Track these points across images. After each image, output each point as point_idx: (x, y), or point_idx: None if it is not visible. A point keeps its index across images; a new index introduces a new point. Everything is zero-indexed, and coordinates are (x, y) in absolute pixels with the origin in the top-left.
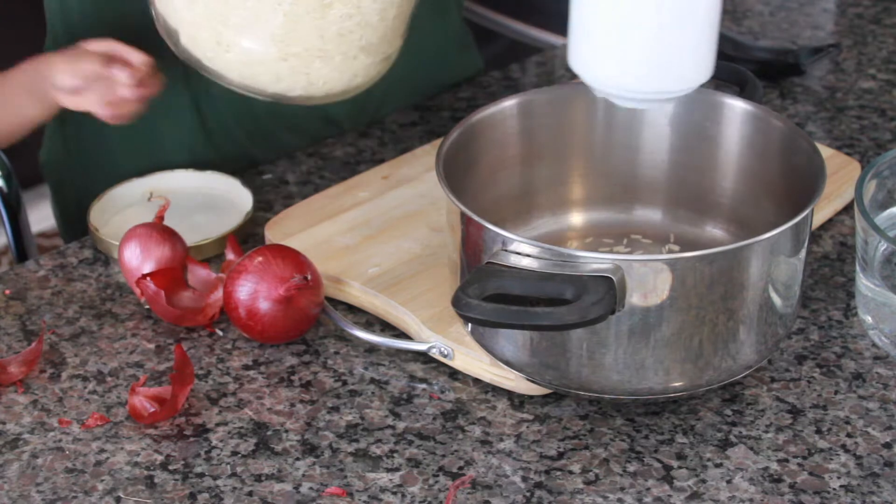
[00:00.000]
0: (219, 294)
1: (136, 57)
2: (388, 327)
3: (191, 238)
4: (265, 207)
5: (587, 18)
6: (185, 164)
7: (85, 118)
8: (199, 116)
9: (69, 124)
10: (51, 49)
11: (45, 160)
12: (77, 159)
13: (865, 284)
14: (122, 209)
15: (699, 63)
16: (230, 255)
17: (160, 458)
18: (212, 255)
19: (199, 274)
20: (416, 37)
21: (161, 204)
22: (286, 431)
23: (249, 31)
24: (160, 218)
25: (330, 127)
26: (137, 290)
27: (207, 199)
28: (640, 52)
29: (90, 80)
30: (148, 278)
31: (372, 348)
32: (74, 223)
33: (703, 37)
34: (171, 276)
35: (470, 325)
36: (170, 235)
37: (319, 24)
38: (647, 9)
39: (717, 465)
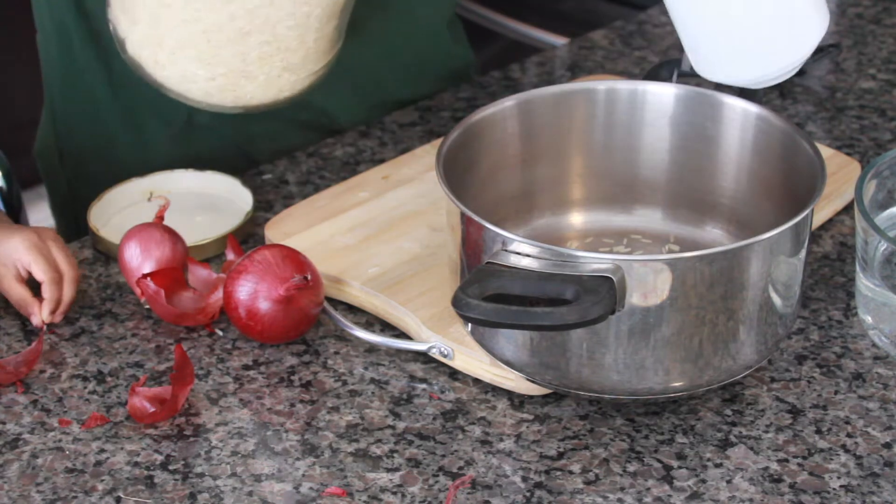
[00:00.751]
0: (219, 294)
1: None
2: (388, 327)
3: (191, 238)
4: (265, 207)
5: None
6: (176, 161)
7: (76, 117)
8: (189, 113)
9: (60, 122)
10: (44, 50)
11: (38, 150)
12: (69, 156)
13: (865, 284)
14: (121, 209)
15: (821, 14)
16: (230, 255)
17: (160, 458)
18: (212, 255)
19: (199, 274)
20: (408, 19)
21: (161, 204)
22: (286, 431)
23: (180, 54)
24: (160, 218)
25: (325, 121)
26: (137, 290)
27: (207, 199)
28: (773, 33)
29: (12, 299)
30: (148, 278)
31: (372, 348)
32: (68, 218)
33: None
34: (171, 276)
35: (470, 325)
36: (170, 235)
37: (241, 50)
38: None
39: (717, 465)
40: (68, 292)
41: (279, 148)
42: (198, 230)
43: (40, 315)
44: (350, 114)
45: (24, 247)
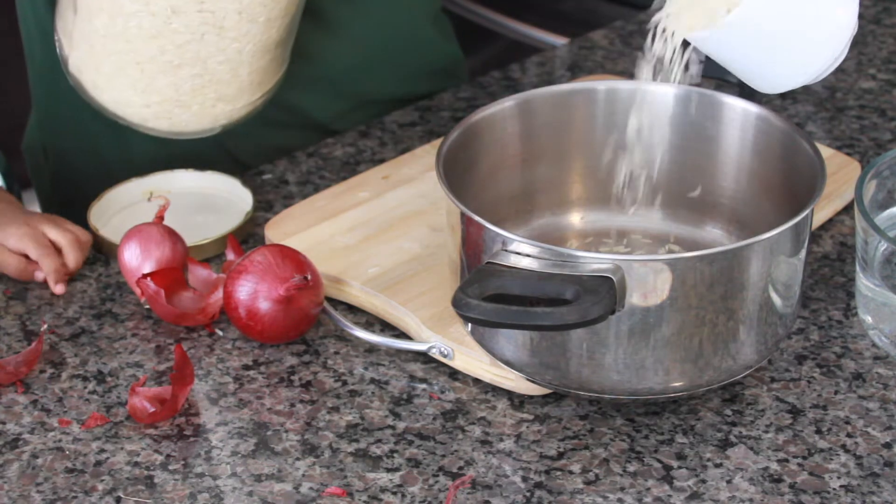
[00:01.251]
0: (219, 294)
1: (71, 255)
2: (388, 327)
3: (191, 238)
4: (265, 207)
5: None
6: (159, 160)
7: (60, 117)
8: None
9: (44, 123)
10: (28, 51)
11: (25, 149)
12: (53, 155)
13: (865, 284)
14: (121, 209)
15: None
16: (230, 256)
17: (160, 458)
18: (212, 255)
19: (199, 274)
20: (389, 17)
21: (161, 204)
22: (286, 431)
23: (116, 81)
24: (160, 218)
25: (306, 121)
26: (138, 290)
27: (207, 199)
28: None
29: (11, 272)
30: (148, 278)
31: (372, 348)
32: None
33: None
34: (171, 276)
35: (470, 325)
36: (170, 235)
37: (173, 81)
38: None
39: (717, 465)
40: (71, 258)
41: (263, 148)
42: (198, 230)
43: (43, 274)
44: (331, 113)
45: (15, 236)
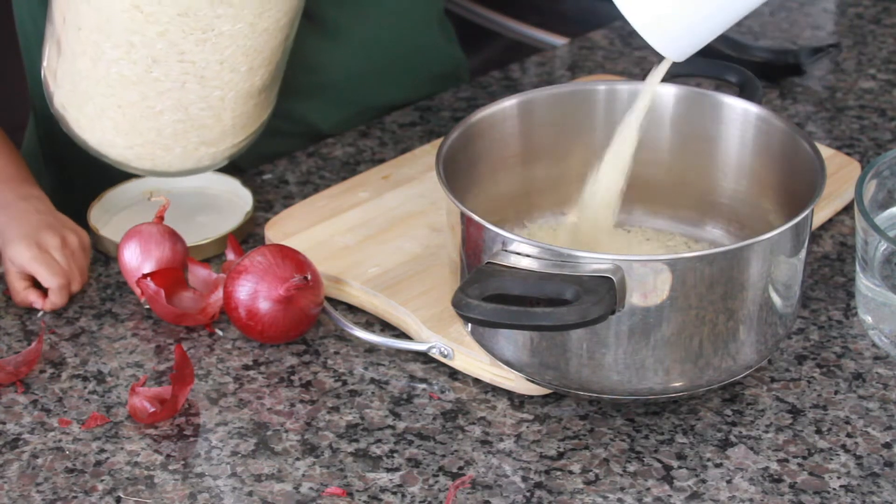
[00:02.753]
0: (219, 294)
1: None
2: (388, 327)
3: (191, 238)
4: (265, 207)
5: None
6: None
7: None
8: None
9: (42, 128)
10: (26, 55)
11: (24, 153)
12: (51, 159)
13: (865, 284)
14: (122, 209)
15: None
16: (230, 256)
17: (160, 458)
18: (212, 255)
19: (199, 274)
20: (393, 25)
21: (161, 204)
22: (286, 431)
23: (98, 122)
24: (160, 218)
25: (308, 130)
26: (138, 290)
27: (207, 199)
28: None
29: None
30: (148, 278)
31: (372, 348)
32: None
33: None
34: (171, 276)
35: (470, 325)
36: (170, 235)
37: (155, 125)
38: None
39: (717, 465)
40: (74, 287)
41: (264, 157)
42: (198, 230)
43: (41, 303)
44: (333, 121)
45: (26, 257)
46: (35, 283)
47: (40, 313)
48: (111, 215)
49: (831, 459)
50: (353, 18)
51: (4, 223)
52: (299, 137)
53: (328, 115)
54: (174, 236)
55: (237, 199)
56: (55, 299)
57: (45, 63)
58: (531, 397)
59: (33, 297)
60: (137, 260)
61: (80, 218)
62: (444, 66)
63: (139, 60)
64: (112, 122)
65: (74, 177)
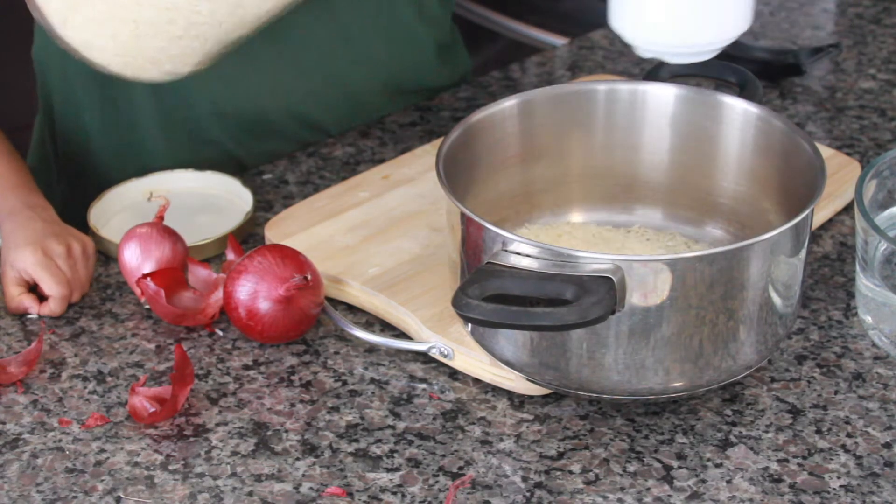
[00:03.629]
0: (219, 294)
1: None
2: (388, 327)
3: (191, 238)
4: (265, 207)
5: None
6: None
7: (72, 129)
8: (182, 121)
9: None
10: (39, 51)
11: (31, 166)
12: (63, 167)
13: (865, 284)
14: (122, 209)
15: (738, 15)
16: (230, 256)
17: (160, 458)
18: (212, 255)
19: (199, 274)
20: (404, 45)
21: (161, 204)
22: (286, 431)
23: (97, 26)
24: (160, 218)
25: (316, 133)
26: (138, 290)
27: (207, 199)
28: (686, 8)
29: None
30: (148, 278)
31: (372, 348)
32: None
33: None
34: (171, 276)
35: (470, 325)
36: (170, 235)
37: (164, 46)
38: None
39: (717, 465)
40: (75, 297)
41: (274, 155)
42: (198, 230)
43: (36, 307)
44: (343, 128)
45: (31, 262)
46: (30, 289)
47: (35, 316)
48: (111, 215)
49: (831, 459)
50: (378, 39)
51: (10, 229)
52: (308, 134)
53: (342, 122)
54: (174, 236)
55: (237, 199)
56: (55, 307)
57: None
58: (531, 397)
59: (28, 303)
60: (137, 260)
61: (81, 219)
62: (454, 76)
63: None
64: (113, 32)
65: (77, 174)
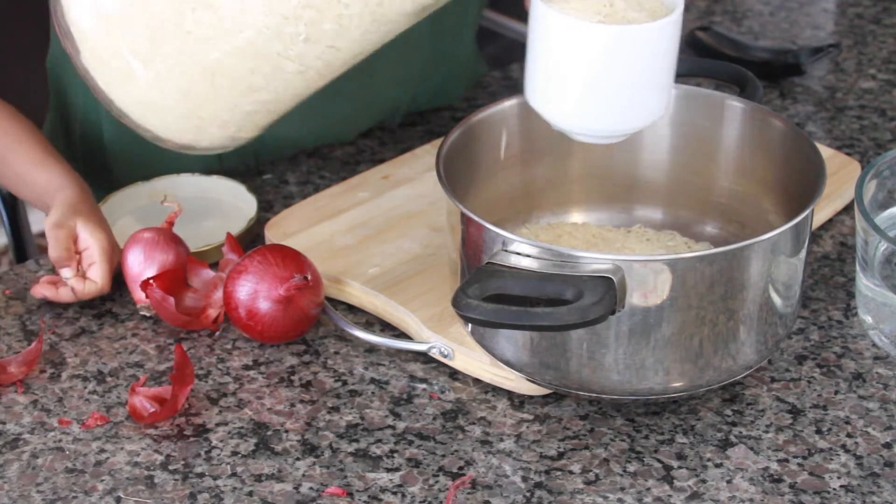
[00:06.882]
0: (219, 293)
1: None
2: (388, 327)
3: (194, 243)
4: (265, 207)
5: (542, 59)
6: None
7: (84, 128)
8: None
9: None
10: (54, 54)
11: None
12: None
13: (865, 284)
14: (126, 213)
15: (650, 104)
16: (230, 255)
17: (160, 458)
18: (215, 260)
19: (199, 273)
20: (434, 60)
21: (173, 210)
22: (286, 431)
23: (160, 81)
24: (170, 223)
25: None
26: (140, 296)
27: (211, 203)
28: (597, 94)
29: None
30: (153, 283)
31: (372, 348)
32: None
33: (653, 80)
34: (173, 278)
35: (470, 325)
36: (173, 241)
37: (238, 103)
38: (594, 53)
39: (717, 465)
40: (96, 272)
41: (265, 155)
42: (201, 235)
43: (70, 274)
44: (357, 136)
45: (48, 224)
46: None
47: (39, 311)
48: (116, 219)
49: (831, 459)
50: (397, 61)
51: (74, 195)
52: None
53: (357, 131)
54: (177, 241)
55: (241, 203)
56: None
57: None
58: (531, 397)
59: (62, 265)
60: (140, 266)
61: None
62: (470, 83)
63: (290, 34)
64: (179, 85)
65: (94, 171)
